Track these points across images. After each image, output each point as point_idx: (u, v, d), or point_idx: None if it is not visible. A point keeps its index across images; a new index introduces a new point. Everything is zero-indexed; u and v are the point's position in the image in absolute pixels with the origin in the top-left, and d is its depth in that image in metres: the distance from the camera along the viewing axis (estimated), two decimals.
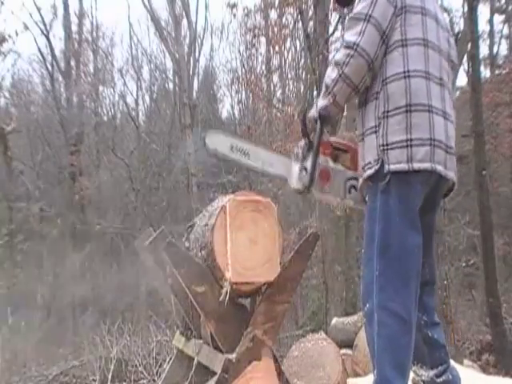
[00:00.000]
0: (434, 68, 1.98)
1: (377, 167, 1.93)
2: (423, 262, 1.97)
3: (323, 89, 2.07)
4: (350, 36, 1.96)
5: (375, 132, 1.96)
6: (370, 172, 1.96)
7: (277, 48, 13.47)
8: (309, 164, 2.15)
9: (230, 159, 2.36)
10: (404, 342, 1.87)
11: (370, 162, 1.97)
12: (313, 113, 2.12)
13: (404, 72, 1.93)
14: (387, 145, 1.92)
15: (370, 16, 1.93)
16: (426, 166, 1.89)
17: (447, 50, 2.06)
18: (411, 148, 1.89)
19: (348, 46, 1.95)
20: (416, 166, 1.88)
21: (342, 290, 9.26)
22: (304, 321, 10.65)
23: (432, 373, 2.05)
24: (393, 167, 1.89)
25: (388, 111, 1.94)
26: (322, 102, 2.07)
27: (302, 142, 2.19)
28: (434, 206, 2.08)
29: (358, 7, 1.98)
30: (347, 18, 2.06)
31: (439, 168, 1.91)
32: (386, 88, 1.95)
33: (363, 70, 1.95)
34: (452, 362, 2.16)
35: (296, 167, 2.18)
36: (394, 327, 1.85)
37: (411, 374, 1.99)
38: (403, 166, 1.88)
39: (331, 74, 2.02)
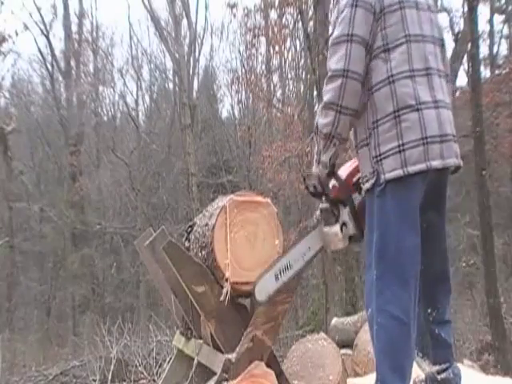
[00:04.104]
0: (419, 61, 1.93)
1: (373, 181, 1.91)
2: (432, 259, 1.96)
3: (321, 144, 1.97)
4: (336, 63, 1.89)
5: (367, 144, 1.94)
6: (367, 185, 1.94)
7: (277, 48, 13.49)
8: (346, 217, 2.08)
9: (283, 286, 2.25)
10: (403, 344, 1.86)
11: (366, 176, 1.95)
12: (319, 172, 2.04)
13: (388, 78, 1.90)
14: (380, 155, 1.89)
15: (352, 35, 1.88)
16: (421, 166, 1.86)
17: (431, 33, 2.00)
18: (404, 152, 1.86)
19: (336, 75, 1.88)
20: (411, 169, 1.85)
21: (342, 290, 9.25)
22: (304, 321, 10.66)
23: (434, 368, 2.04)
24: (388, 176, 1.87)
25: (377, 120, 1.91)
26: (327, 156, 1.98)
27: (323, 205, 2.10)
28: (438, 200, 2.04)
29: (338, 30, 1.92)
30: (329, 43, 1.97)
31: (435, 163, 1.88)
32: (372, 97, 1.92)
33: (359, 92, 1.91)
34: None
35: (334, 229, 2.09)
36: (393, 330, 1.85)
37: (414, 366, 1.98)
38: (398, 173, 1.86)
39: (325, 120, 1.93)
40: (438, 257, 2.03)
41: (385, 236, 1.88)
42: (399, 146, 1.87)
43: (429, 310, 1.99)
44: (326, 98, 1.91)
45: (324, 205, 2.11)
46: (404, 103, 1.88)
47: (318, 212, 2.12)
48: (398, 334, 1.85)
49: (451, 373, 2.05)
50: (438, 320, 2.03)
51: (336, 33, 1.92)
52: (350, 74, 1.86)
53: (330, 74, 1.90)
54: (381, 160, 1.89)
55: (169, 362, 3.72)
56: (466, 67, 11.18)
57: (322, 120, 1.94)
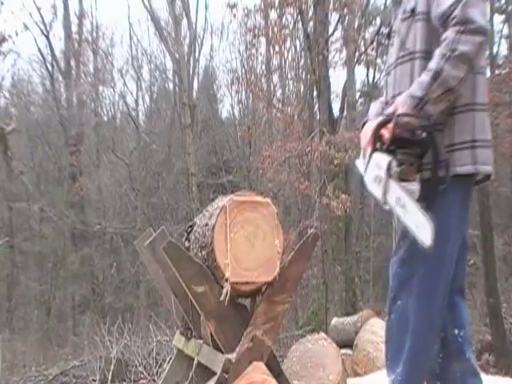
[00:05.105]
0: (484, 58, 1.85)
1: (444, 171, 1.73)
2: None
3: (435, 92, 1.67)
4: (481, 18, 1.64)
5: (440, 130, 1.75)
6: (439, 173, 1.75)
7: (277, 48, 13.48)
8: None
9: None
10: (429, 351, 1.83)
11: (430, 163, 1.74)
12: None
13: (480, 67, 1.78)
14: (453, 145, 1.76)
15: None
16: (487, 168, 1.80)
17: None
18: (475, 149, 1.76)
19: (480, 32, 1.63)
20: (480, 168, 1.77)
21: (342, 290, 9.27)
22: (304, 321, 10.67)
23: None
24: (459, 170, 1.74)
25: (456, 107, 1.75)
26: (436, 109, 1.69)
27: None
28: None
29: None
30: None
31: (490, 169, 1.82)
32: None
33: None
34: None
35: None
36: (426, 338, 1.81)
37: None
38: (469, 169, 1.75)
39: (456, 72, 1.65)
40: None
41: (440, 232, 1.68)
42: (472, 141, 1.76)
43: (455, 331, 1.92)
44: (463, 47, 1.63)
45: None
46: (478, 99, 1.78)
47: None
48: (429, 341, 1.82)
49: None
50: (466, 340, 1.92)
51: None
52: (487, 34, 1.67)
53: (472, 26, 1.63)
54: (453, 151, 1.76)
55: (169, 362, 3.73)
56: None
57: (453, 71, 1.65)
